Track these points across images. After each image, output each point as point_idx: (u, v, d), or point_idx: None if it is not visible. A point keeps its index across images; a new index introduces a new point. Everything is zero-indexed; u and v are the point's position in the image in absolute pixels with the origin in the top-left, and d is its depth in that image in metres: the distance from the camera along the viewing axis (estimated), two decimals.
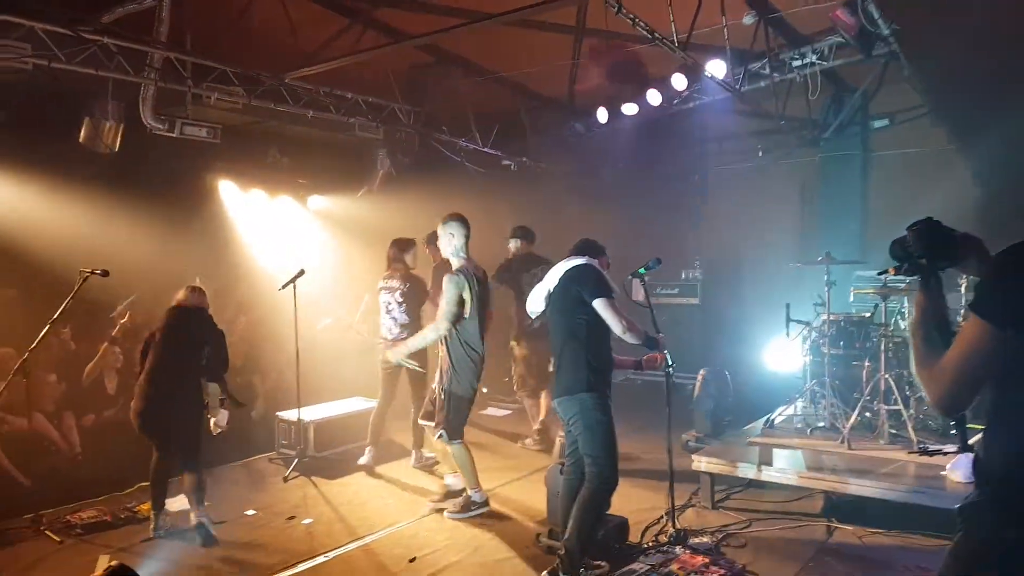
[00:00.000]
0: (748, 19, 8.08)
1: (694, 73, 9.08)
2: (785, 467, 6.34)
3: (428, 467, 7.87)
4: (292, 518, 6.42)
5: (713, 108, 10.34)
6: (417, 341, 6.46)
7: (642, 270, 5.53)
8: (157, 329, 6.17)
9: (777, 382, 8.77)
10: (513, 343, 8.51)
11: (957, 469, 5.65)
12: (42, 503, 6.27)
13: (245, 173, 10.51)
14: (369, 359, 9.93)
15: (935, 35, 7.85)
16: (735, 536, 5.77)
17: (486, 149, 10.84)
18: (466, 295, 6.10)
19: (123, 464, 6.30)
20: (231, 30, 7.69)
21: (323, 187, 11.58)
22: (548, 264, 6.53)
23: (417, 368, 6.87)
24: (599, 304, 4.91)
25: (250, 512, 6.55)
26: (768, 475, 6.28)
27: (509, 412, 10.51)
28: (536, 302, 5.28)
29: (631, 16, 6.61)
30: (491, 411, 10.67)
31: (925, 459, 6.19)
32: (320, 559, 5.55)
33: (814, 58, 8.85)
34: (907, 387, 6.94)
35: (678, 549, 5.35)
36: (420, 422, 6.82)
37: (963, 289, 7.07)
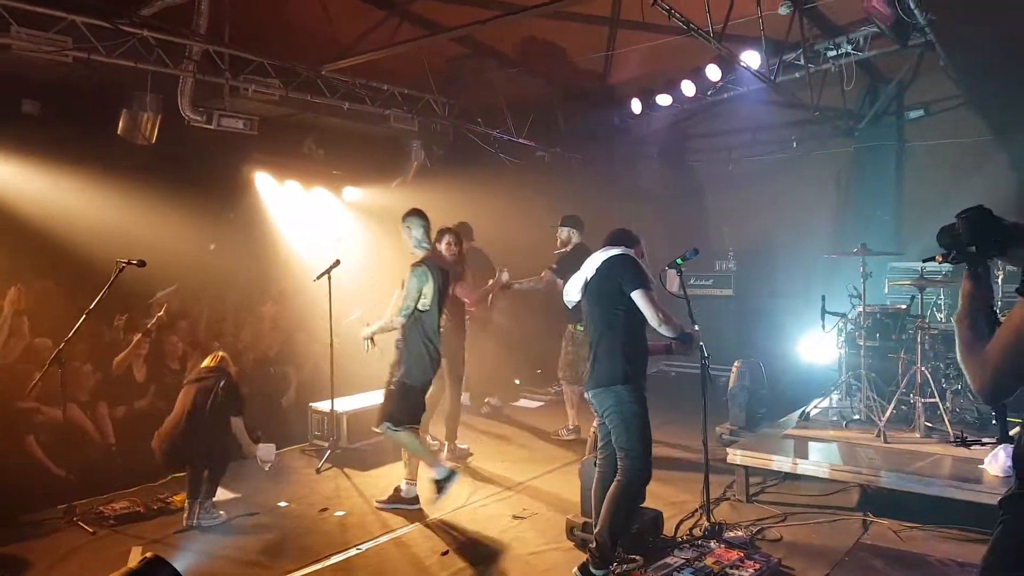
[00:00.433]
0: (783, 9, 8.00)
1: (728, 64, 9.03)
2: (820, 460, 6.30)
3: (461, 459, 7.92)
4: (325, 510, 6.45)
5: (747, 99, 10.30)
6: (376, 326, 6.46)
7: (679, 261, 5.50)
8: (190, 382, 6.32)
9: (812, 374, 8.70)
10: (574, 327, 8.32)
11: (995, 462, 5.59)
12: (75, 494, 6.29)
13: (281, 165, 10.59)
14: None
15: (971, 25, 7.76)
16: (770, 530, 5.75)
17: (520, 140, 10.84)
18: (427, 289, 6.16)
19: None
20: (269, 23, 7.77)
21: (358, 178, 11.64)
22: None
23: (373, 349, 6.63)
24: (637, 295, 4.84)
25: (283, 504, 6.59)
26: (803, 468, 6.26)
27: (542, 404, 10.53)
28: (573, 292, 5.17)
29: (666, 7, 6.58)
30: (524, 403, 10.70)
31: (962, 452, 6.11)
32: (352, 552, 5.57)
33: (849, 48, 8.78)
34: (943, 380, 6.88)
35: (712, 543, 5.33)
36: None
37: (1000, 280, 7.00)
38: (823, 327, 7.45)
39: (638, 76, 10.35)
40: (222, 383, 6.15)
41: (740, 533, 5.59)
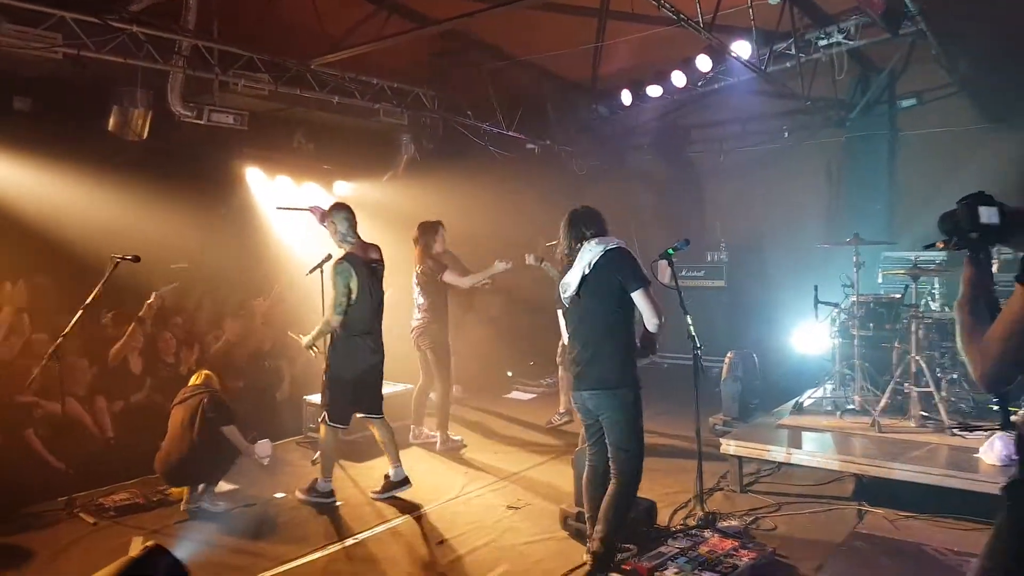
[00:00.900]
0: None
1: (719, 54, 9.02)
2: (815, 450, 6.32)
3: (455, 450, 7.94)
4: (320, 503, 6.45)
5: (738, 89, 10.29)
6: (314, 332, 6.47)
7: (670, 251, 5.47)
8: (178, 403, 6.32)
9: (805, 365, 8.70)
10: None
11: (991, 451, 5.61)
12: (75, 486, 6.33)
13: (271, 159, 10.55)
14: (396, 345, 10.04)
15: (963, 13, 7.76)
16: (764, 520, 5.76)
17: (510, 133, 10.82)
18: (352, 284, 6.18)
19: (153, 448, 6.32)
20: (257, 18, 7.75)
21: (348, 172, 11.60)
22: None
23: (317, 353, 6.71)
24: (639, 294, 4.70)
25: (279, 495, 6.62)
26: (798, 458, 6.26)
27: (534, 396, 10.53)
28: (571, 286, 4.87)
29: None
30: (516, 395, 10.71)
31: (957, 442, 6.14)
32: (349, 541, 5.61)
33: (840, 37, 8.76)
34: (938, 369, 6.89)
35: (707, 533, 5.34)
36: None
37: (995, 268, 6.99)
38: (816, 317, 7.46)
39: (628, 67, 10.32)
40: (206, 400, 6.16)
41: (734, 523, 5.60)
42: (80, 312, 6.20)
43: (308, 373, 9.02)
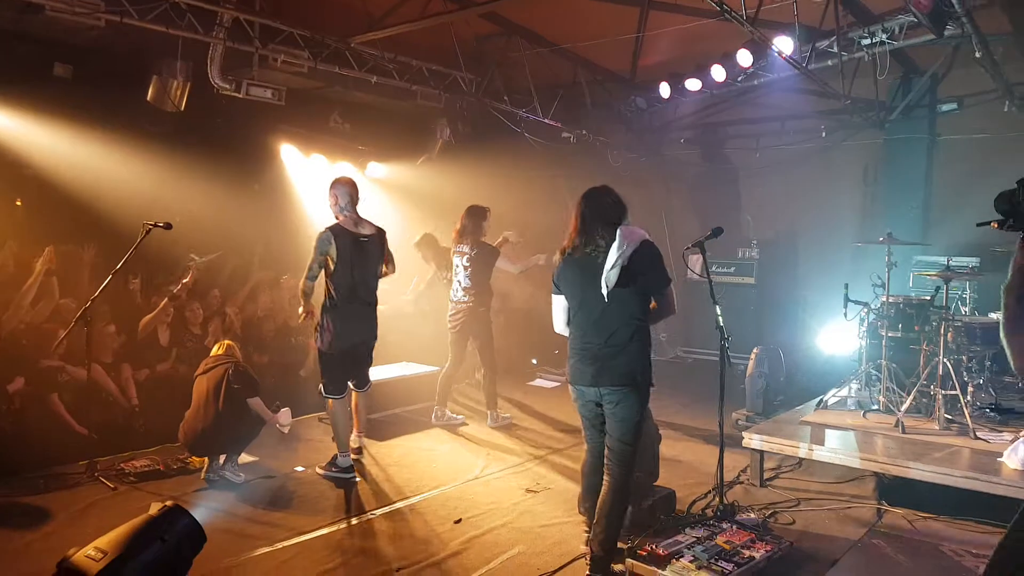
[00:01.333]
0: None
1: (760, 49, 8.95)
2: (837, 447, 6.27)
3: (504, 427, 8.11)
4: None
5: (777, 86, 10.20)
6: (299, 296, 6.54)
7: (702, 240, 5.48)
8: (201, 374, 6.39)
9: (831, 366, 8.67)
10: None
11: (1014, 455, 5.55)
12: (97, 452, 6.39)
13: (306, 137, 10.64)
14: (418, 326, 10.14)
15: (1012, 15, 7.66)
16: (783, 514, 5.75)
17: (547, 120, 10.81)
18: (332, 252, 6.28)
19: (177, 418, 6.39)
20: None
21: (382, 154, 11.67)
22: None
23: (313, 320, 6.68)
24: (667, 291, 4.62)
25: (299, 469, 6.68)
26: (819, 454, 6.22)
27: (558, 384, 10.53)
28: (612, 277, 4.53)
29: None
30: (540, 382, 10.72)
31: (981, 445, 6.08)
32: (366, 516, 5.66)
33: (884, 37, 8.64)
34: (965, 373, 6.82)
35: (725, 524, 5.32)
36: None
37: None
38: (845, 315, 7.39)
39: (667, 60, 10.28)
40: (230, 371, 6.21)
41: (753, 515, 5.58)
42: (110, 277, 6.26)
43: None
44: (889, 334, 7.13)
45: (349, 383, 6.72)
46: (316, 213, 10.70)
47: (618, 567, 4.73)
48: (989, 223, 2.69)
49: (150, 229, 6.22)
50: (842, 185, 11.31)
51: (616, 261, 4.49)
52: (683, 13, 8.55)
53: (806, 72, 8.77)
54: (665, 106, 11.43)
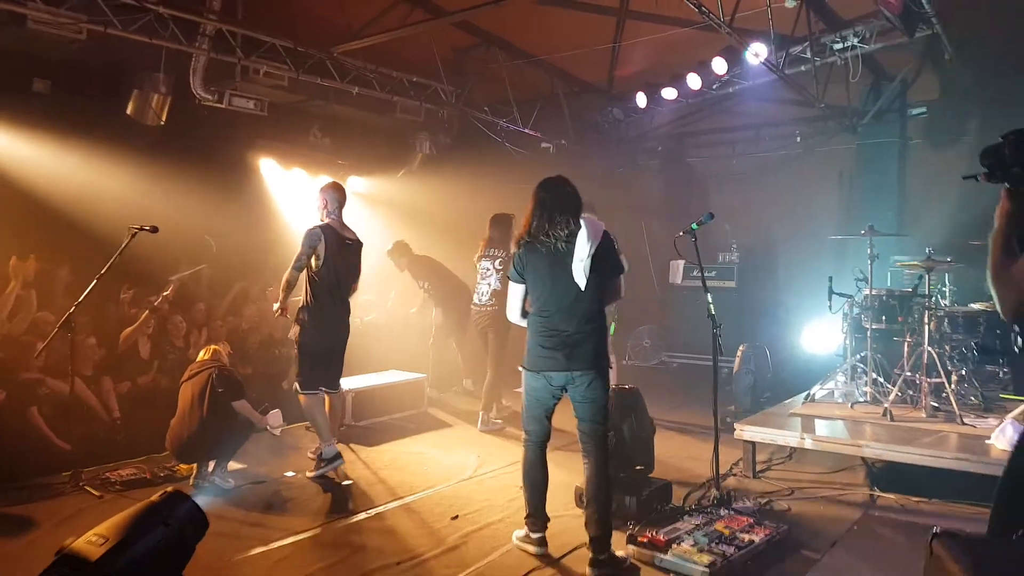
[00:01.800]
0: (790, 2, 8.04)
1: (734, 56, 9.12)
2: (828, 436, 6.34)
3: (495, 430, 8.12)
4: (331, 479, 6.48)
5: (752, 95, 10.38)
6: (282, 291, 6.58)
7: (694, 226, 5.57)
8: (186, 380, 6.32)
9: (815, 363, 8.77)
10: None
11: (1002, 436, 5.63)
12: (79, 464, 6.28)
13: (287, 152, 10.66)
14: (404, 335, 10.15)
15: (979, 15, 7.85)
16: (779, 502, 5.79)
17: (526, 130, 10.89)
18: (320, 249, 6.39)
19: (160, 429, 6.29)
20: (282, 4, 7.82)
21: (363, 168, 11.69)
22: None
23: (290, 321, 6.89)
24: (619, 278, 4.91)
25: (289, 473, 6.62)
26: (811, 443, 6.28)
27: None
28: (582, 263, 4.67)
29: None
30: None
31: (968, 430, 6.18)
32: (362, 515, 5.62)
33: (855, 41, 8.86)
34: (948, 362, 6.92)
35: (722, 511, 5.36)
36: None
37: None
38: (831, 308, 7.49)
39: (643, 70, 10.45)
40: (215, 374, 6.16)
41: (749, 503, 5.62)
42: (94, 282, 6.17)
43: None
44: (873, 326, 7.23)
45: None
46: (297, 226, 10.71)
47: (619, 552, 4.73)
48: (975, 176, 2.80)
49: (135, 233, 6.17)
50: (819, 190, 11.48)
51: (589, 251, 4.63)
52: (659, 22, 8.70)
53: (781, 75, 8.93)
54: (641, 116, 11.57)
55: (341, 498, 6.04)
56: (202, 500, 5.77)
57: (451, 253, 10.11)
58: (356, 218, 11.33)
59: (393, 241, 9.78)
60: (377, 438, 7.80)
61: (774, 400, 7.95)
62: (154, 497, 3.75)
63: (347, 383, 8.17)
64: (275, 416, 6.60)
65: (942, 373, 6.61)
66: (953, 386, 6.73)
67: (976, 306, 7.31)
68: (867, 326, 7.22)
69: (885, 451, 5.91)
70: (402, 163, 11.51)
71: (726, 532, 4.92)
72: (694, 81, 9.96)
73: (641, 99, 10.77)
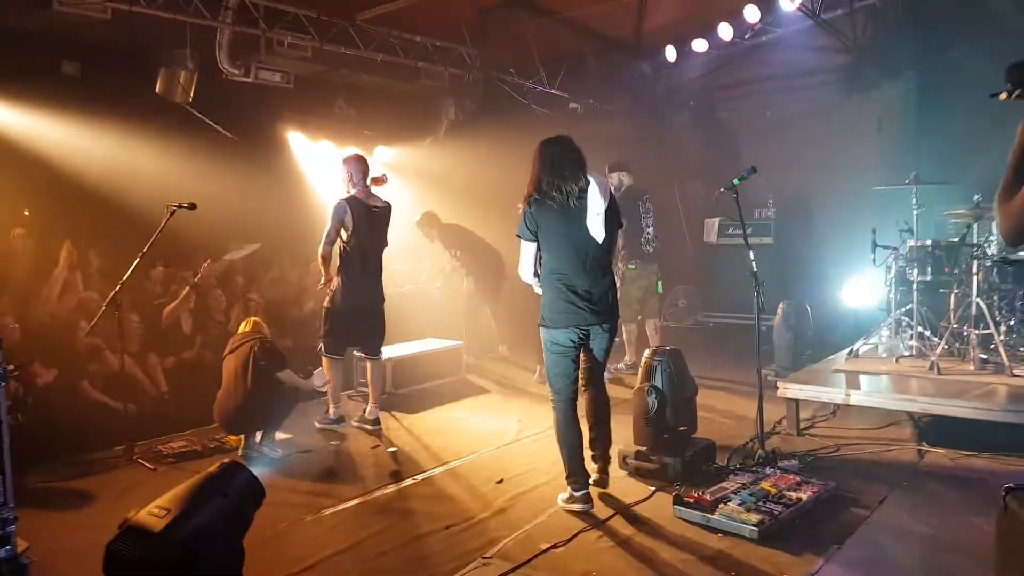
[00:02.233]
0: None
1: (767, 3, 8.89)
2: (873, 391, 6.24)
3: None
4: (376, 447, 6.55)
5: (785, 43, 10.10)
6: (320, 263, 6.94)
7: (736, 181, 5.52)
8: (229, 352, 6.38)
9: (857, 319, 8.62)
10: (625, 266, 8.46)
11: None
12: (133, 438, 6.36)
13: (313, 124, 10.66)
14: (440, 304, 10.18)
15: None
16: (825, 459, 5.72)
17: (553, 91, 10.75)
18: (348, 221, 6.72)
19: (207, 402, 6.42)
20: None
21: (389, 138, 11.66)
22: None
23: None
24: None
25: (334, 443, 6.68)
26: (857, 399, 6.18)
27: None
28: (599, 219, 4.83)
29: None
30: None
31: (1018, 381, 6.04)
32: (408, 481, 5.65)
33: None
34: (998, 312, 6.76)
35: (768, 469, 5.31)
36: None
37: None
38: (874, 261, 7.34)
39: (672, 22, 10.20)
40: (256, 347, 6.20)
41: (795, 461, 5.55)
42: (138, 259, 6.25)
43: None
44: (919, 278, 7.07)
45: (355, 351, 7.12)
46: (329, 198, 10.71)
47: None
48: (998, 95, 2.68)
49: (174, 211, 6.22)
50: (857, 139, 11.12)
51: (603, 205, 4.80)
52: None
53: (818, 20, 8.66)
54: (671, 70, 11.35)
55: (387, 465, 6.09)
56: (251, 470, 5.91)
57: (480, 219, 10.07)
58: (385, 188, 11.41)
59: (421, 212, 9.74)
60: (418, 405, 7.83)
61: (816, 357, 7.82)
62: (212, 468, 3.77)
63: (387, 352, 8.20)
64: (319, 375, 6.71)
65: (991, 324, 6.44)
66: (1002, 336, 6.56)
67: None
68: (912, 278, 7.06)
69: (933, 405, 5.81)
70: (429, 131, 11.44)
71: (773, 491, 4.87)
72: (725, 31, 9.73)
73: (670, 53, 10.55)
